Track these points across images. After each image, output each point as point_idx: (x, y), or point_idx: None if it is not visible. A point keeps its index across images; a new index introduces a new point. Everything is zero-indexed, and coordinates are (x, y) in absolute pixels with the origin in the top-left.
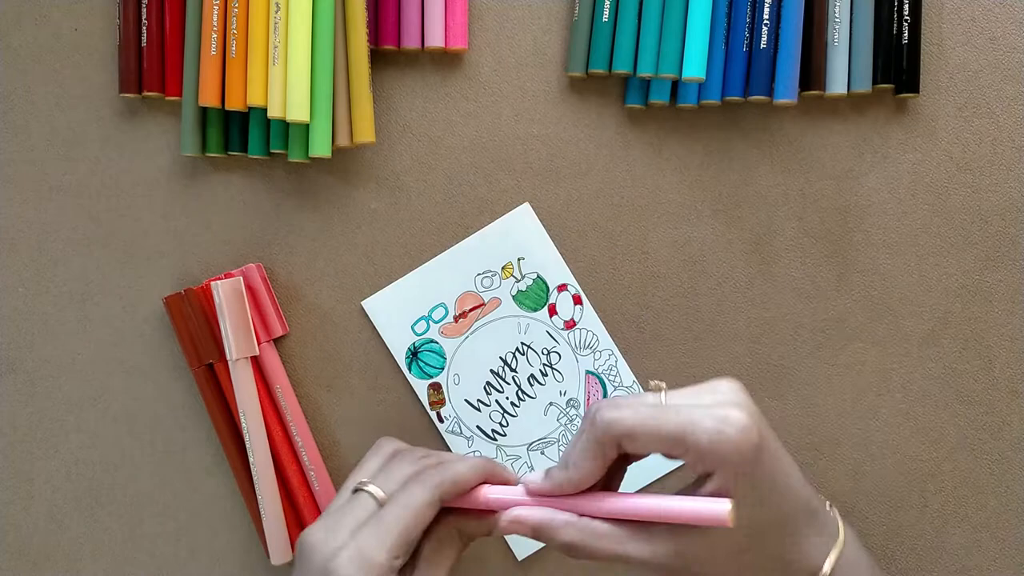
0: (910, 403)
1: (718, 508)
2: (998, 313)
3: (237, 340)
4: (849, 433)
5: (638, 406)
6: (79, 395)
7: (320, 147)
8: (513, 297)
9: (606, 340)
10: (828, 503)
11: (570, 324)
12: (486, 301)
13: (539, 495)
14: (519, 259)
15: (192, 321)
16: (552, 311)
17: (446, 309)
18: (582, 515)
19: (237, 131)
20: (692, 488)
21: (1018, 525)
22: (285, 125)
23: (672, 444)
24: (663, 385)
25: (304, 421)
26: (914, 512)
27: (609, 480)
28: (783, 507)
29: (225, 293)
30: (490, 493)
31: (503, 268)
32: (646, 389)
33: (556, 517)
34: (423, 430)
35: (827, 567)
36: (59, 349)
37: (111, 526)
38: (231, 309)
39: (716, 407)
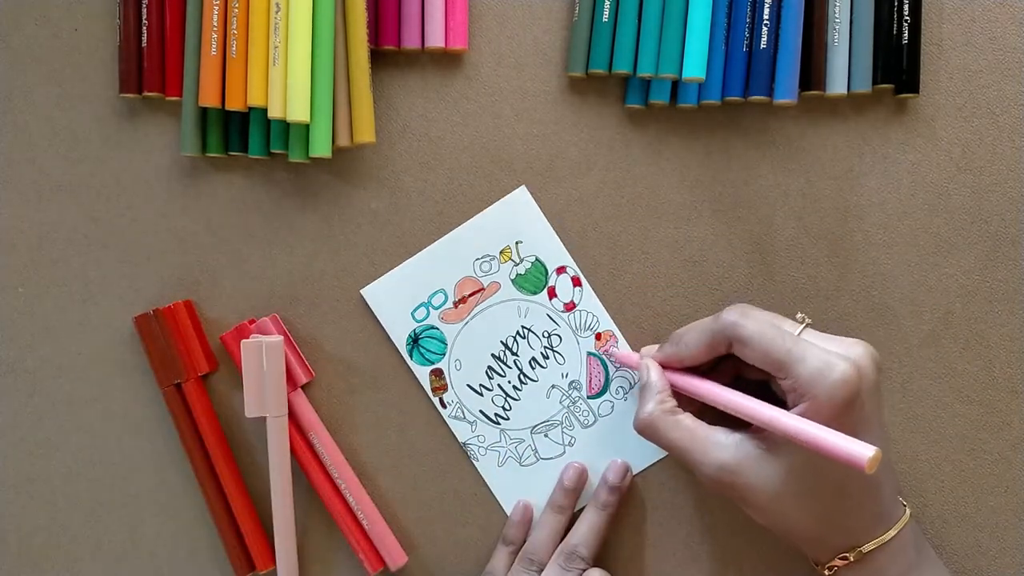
0: (910, 403)
1: (861, 450)
2: (998, 313)
3: (278, 397)
4: None
5: (764, 323)
6: (79, 395)
7: (320, 147)
8: (512, 281)
9: (606, 321)
10: (904, 505)
11: (570, 306)
12: (485, 286)
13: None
14: (517, 242)
15: (160, 341)
16: (552, 294)
17: (445, 295)
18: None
19: (237, 131)
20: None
21: (1018, 525)
22: (285, 125)
23: (776, 366)
24: (808, 320)
25: (346, 465)
26: (914, 512)
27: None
28: (848, 472)
29: (268, 351)
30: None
31: (501, 252)
32: (793, 318)
33: (676, 377)
34: (426, 416)
35: (866, 548)
36: (59, 349)
37: (111, 526)
38: (271, 368)
39: (832, 354)
